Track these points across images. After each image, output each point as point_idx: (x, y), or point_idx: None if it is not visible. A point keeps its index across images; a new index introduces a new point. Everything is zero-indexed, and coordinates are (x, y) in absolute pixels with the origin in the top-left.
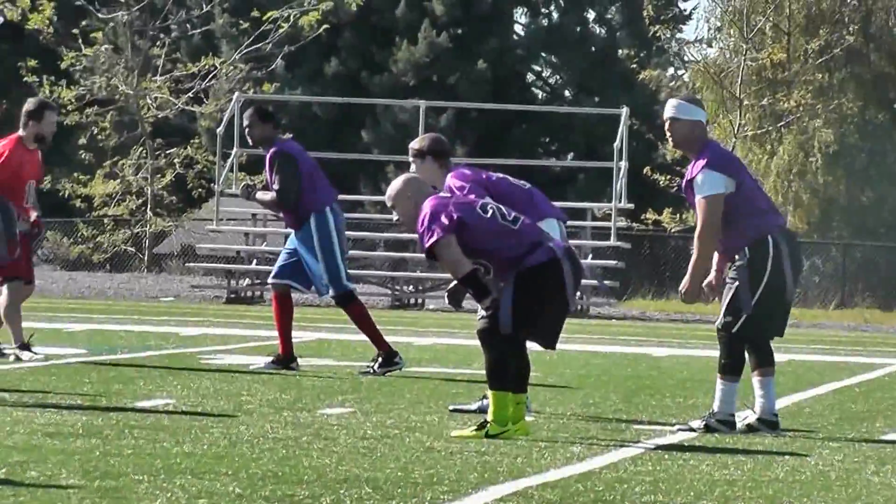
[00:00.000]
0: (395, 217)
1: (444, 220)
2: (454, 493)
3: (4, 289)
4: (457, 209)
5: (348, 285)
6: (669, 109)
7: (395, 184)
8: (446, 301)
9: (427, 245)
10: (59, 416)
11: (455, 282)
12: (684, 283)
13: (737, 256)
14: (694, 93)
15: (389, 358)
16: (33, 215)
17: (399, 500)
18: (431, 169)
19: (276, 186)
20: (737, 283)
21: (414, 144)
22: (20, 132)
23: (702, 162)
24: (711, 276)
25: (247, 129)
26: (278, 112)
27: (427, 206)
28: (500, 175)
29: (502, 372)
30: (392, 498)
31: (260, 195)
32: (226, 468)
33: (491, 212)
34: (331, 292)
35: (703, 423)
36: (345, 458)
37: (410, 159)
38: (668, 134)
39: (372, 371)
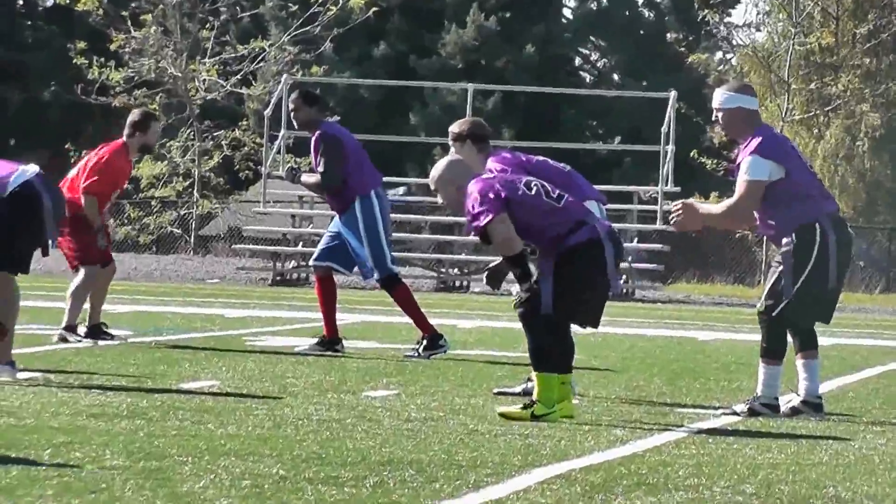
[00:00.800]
0: (439, 200)
1: (492, 198)
2: (498, 475)
3: (83, 270)
4: (503, 187)
5: (393, 268)
6: (715, 99)
7: (439, 166)
8: (485, 281)
9: (483, 225)
10: (104, 398)
11: (496, 262)
12: (691, 206)
13: (784, 241)
14: (742, 77)
15: (434, 341)
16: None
17: (443, 482)
18: (470, 153)
19: (320, 169)
20: (781, 267)
21: (454, 128)
22: (125, 139)
23: (751, 147)
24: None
25: (292, 113)
26: (326, 95)
27: (474, 188)
28: (541, 157)
29: (546, 353)
30: (436, 480)
31: (305, 178)
32: (270, 450)
33: (535, 189)
34: (375, 275)
35: (747, 406)
36: (388, 440)
37: (450, 143)
38: (718, 122)
39: (417, 354)
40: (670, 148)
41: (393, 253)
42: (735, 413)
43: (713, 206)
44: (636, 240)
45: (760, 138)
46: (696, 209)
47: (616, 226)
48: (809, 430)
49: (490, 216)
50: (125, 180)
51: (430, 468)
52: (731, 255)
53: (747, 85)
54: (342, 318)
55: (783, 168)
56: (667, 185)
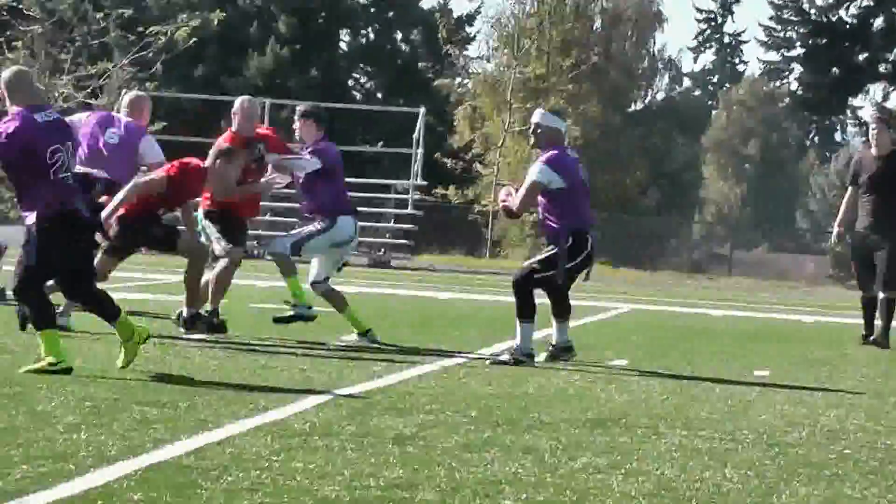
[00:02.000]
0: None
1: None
2: (282, 401)
3: None
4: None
5: None
6: (536, 116)
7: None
8: None
9: None
10: None
11: None
12: (510, 198)
13: (556, 236)
14: (475, 97)
15: None
16: None
17: (240, 405)
18: (309, 129)
19: None
20: (556, 251)
21: (299, 107)
22: None
23: (543, 157)
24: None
25: None
26: (156, 106)
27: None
28: None
29: (46, 313)
30: (234, 404)
31: None
32: (105, 380)
33: (58, 157)
34: None
35: (511, 356)
36: (198, 372)
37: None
38: (532, 135)
39: None
40: (420, 151)
41: None
42: (503, 361)
43: (511, 204)
44: (393, 220)
45: (551, 154)
46: (510, 202)
47: (376, 210)
48: (520, 369)
49: None
50: None
51: (230, 394)
52: (465, 232)
53: (557, 110)
54: None
55: (563, 181)
56: (416, 180)
